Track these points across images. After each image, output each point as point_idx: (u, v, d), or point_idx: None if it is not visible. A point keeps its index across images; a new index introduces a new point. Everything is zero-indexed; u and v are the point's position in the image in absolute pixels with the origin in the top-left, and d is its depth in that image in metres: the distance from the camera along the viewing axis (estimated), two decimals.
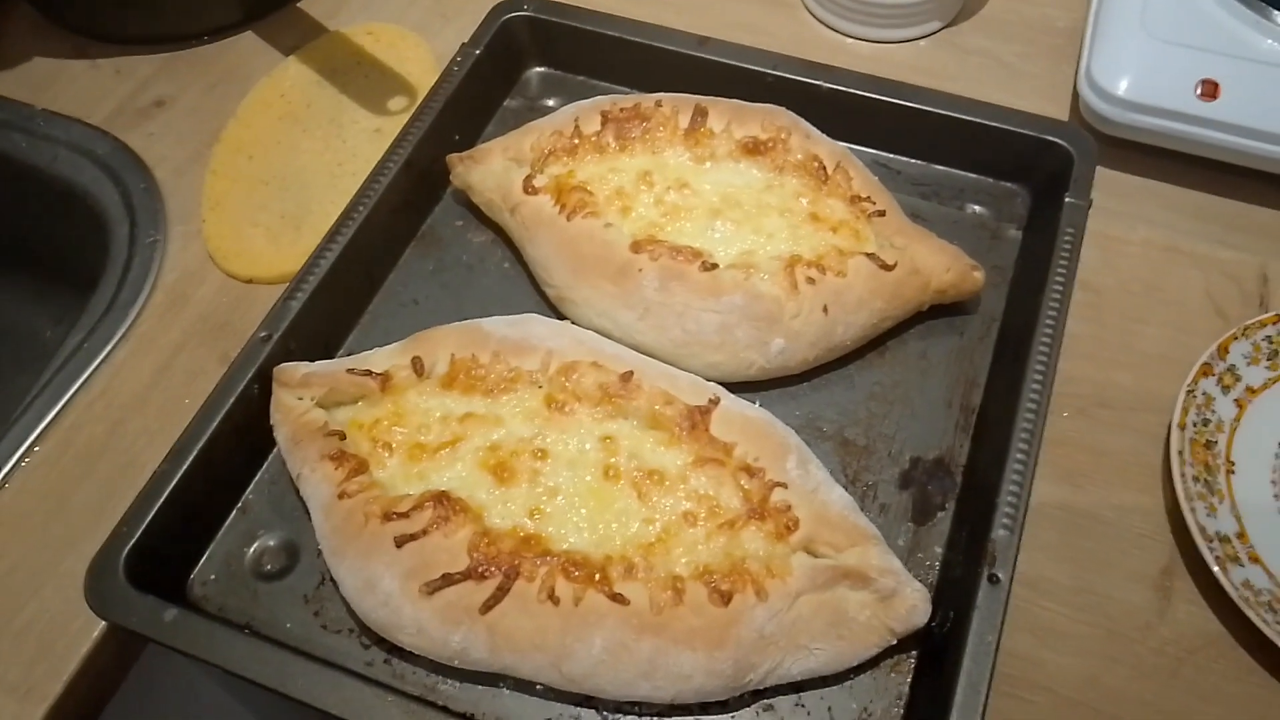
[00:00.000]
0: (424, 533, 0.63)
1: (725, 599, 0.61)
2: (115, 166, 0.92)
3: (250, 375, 0.72)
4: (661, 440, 0.68)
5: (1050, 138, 0.82)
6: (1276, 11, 0.84)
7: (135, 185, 0.91)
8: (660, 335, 0.74)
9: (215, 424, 0.70)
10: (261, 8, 1.03)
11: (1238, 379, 0.74)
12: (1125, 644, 0.67)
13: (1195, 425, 0.71)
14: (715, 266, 0.74)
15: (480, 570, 0.62)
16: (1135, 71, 0.84)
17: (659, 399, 0.69)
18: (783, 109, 0.83)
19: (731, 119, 0.82)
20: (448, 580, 0.62)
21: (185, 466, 0.68)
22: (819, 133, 0.82)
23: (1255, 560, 0.67)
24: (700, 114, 0.82)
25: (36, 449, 0.77)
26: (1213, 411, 0.73)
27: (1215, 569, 0.65)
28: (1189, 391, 0.72)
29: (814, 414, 0.76)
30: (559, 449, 0.68)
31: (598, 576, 0.62)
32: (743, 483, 0.66)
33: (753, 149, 0.81)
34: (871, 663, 0.65)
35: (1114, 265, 0.83)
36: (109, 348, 0.81)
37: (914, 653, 0.66)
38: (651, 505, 0.65)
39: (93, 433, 0.78)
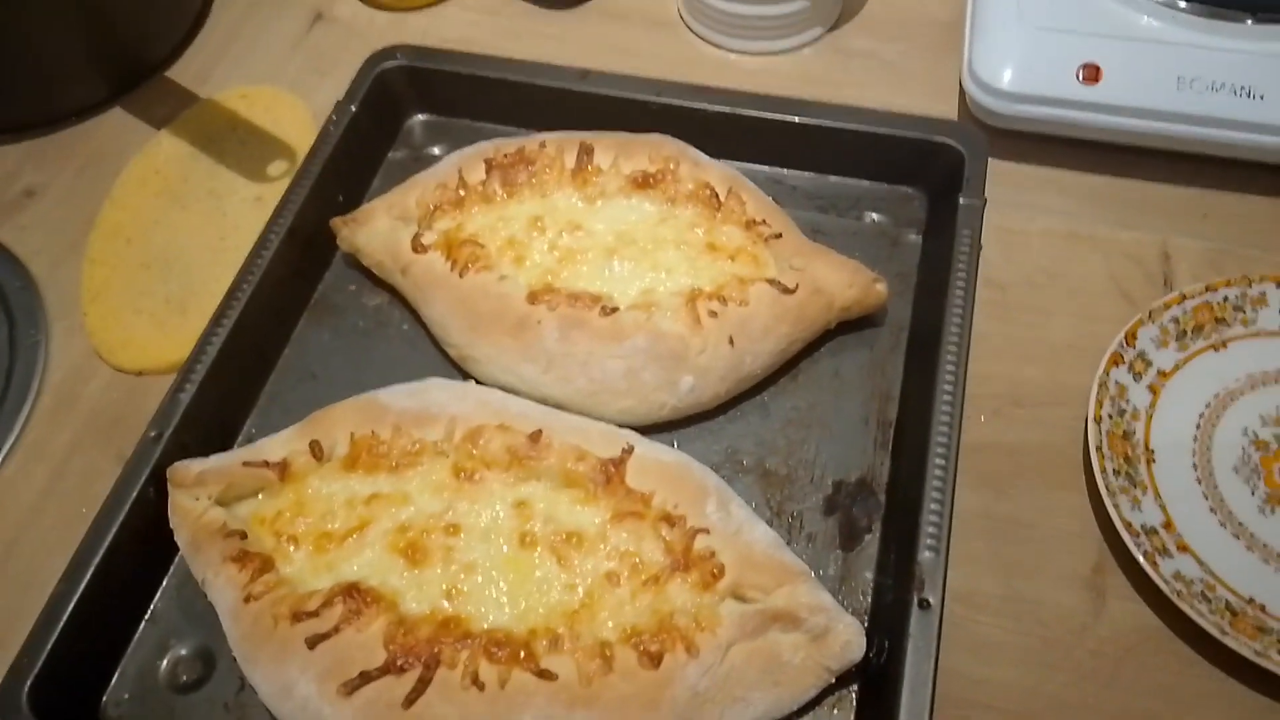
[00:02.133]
0: (336, 630, 0.61)
1: (655, 660, 0.60)
2: None
3: (144, 478, 0.69)
4: (577, 498, 0.66)
5: (940, 139, 0.81)
6: None
7: (10, 283, 0.87)
8: (566, 386, 0.72)
9: (111, 534, 0.67)
10: (127, 81, 0.99)
11: (1149, 364, 0.74)
12: (1063, 649, 0.66)
13: (1111, 417, 0.71)
14: (615, 310, 0.72)
15: (399, 663, 0.60)
16: (1016, 62, 0.83)
17: (570, 455, 0.67)
18: (668, 138, 0.82)
19: (618, 153, 0.80)
20: (365, 678, 0.59)
21: (84, 584, 0.65)
22: (707, 158, 0.81)
23: (1184, 549, 0.67)
24: (586, 152, 0.80)
25: None
26: (1127, 401, 0.72)
27: (1144, 564, 0.65)
28: (1101, 383, 0.72)
29: (733, 448, 0.74)
30: (471, 521, 0.66)
31: (522, 654, 0.60)
32: (664, 534, 0.64)
33: (642, 183, 0.79)
34: (813, 703, 0.63)
35: (1016, 259, 0.83)
36: None
37: (854, 686, 0.64)
38: (572, 570, 0.63)
39: None
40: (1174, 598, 0.64)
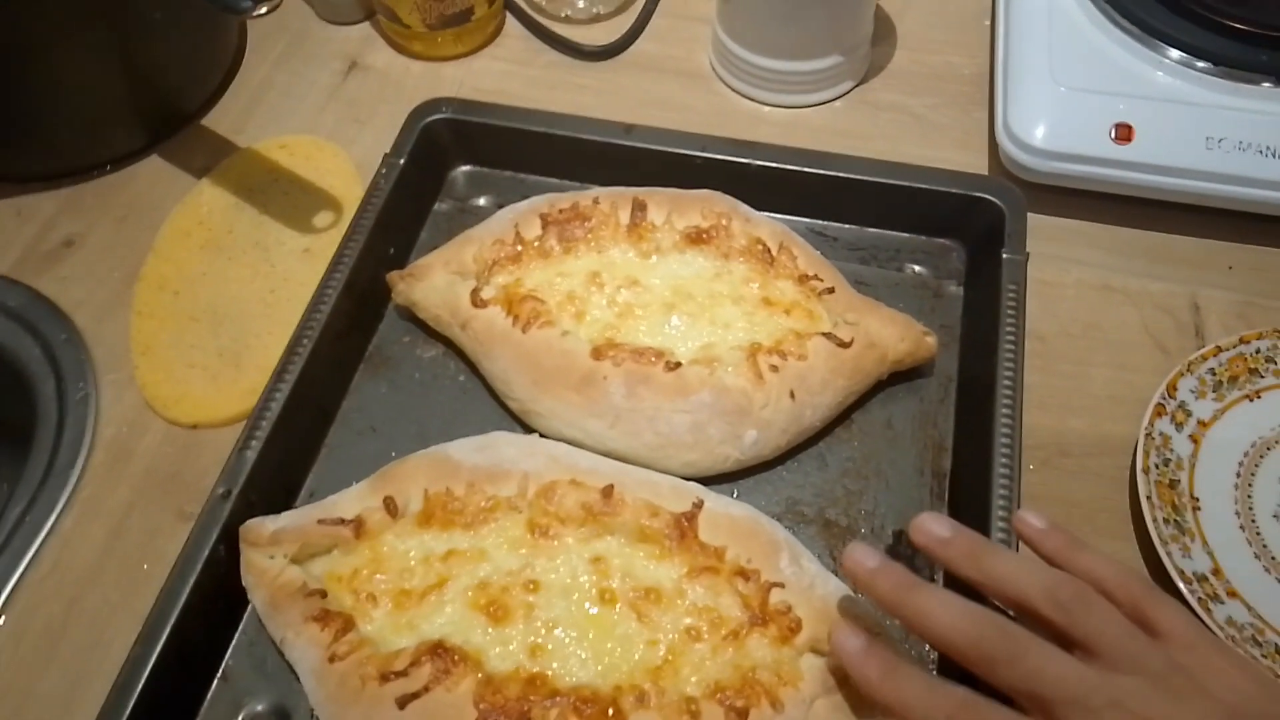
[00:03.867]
0: (426, 690, 0.61)
1: (742, 716, 0.61)
2: (30, 318, 0.87)
3: (215, 537, 0.69)
4: (652, 554, 0.68)
5: (979, 194, 0.84)
6: (1171, 49, 0.88)
7: (55, 336, 0.86)
8: (633, 440, 0.74)
9: (185, 596, 0.67)
10: (164, 130, 0.99)
11: (1189, 415, 0.77)
12: None
13: (1158, 467, 0.74)
14: (679, 365, 0.74)
15: None
16: (1050, 121, 0.87)
17: (644, 511, 0.68)
18: (719, 194, 0.84)
19: (671, 209, 0.82)
20: None
21: (159, 647, 0.65)
22: (757, 213, 0.83)
23: (1233, 595, 0.70)
24: (640, 208, 0.82)
25: None
26: (1171, 451, 0.75)
27: (1200, 611, 0.67)
28: (1147, 434, 0.74)
29: (793, 498, 0.76)
30: (550, 578, 0.67)
31: (611, 711, 0.61)
32: (740, 588, 0.66)
33: (696, 238, 0.81)
34: None
35: (1053, 310, 0.85)
36: (53, 517, 0.77)
37: None
38: (653, 625, 0.65)
39: (49, 613, 0.73)
40: (1229, 643, 0.66)
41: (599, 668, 0.63)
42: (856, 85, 1.02)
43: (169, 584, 0.68)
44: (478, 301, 0.79)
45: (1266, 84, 0.86)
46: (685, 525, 0.68)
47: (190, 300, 0.87)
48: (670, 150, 0.88)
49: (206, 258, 0.90)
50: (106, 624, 0.73)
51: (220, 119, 1.02)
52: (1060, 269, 0.88)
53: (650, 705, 0.61)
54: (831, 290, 0.79)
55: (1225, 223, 0.88)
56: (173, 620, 0.66)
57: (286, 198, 0.94)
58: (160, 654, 0.65)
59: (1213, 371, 0.78)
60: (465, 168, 0.95)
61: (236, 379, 0.82)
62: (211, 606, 0.69)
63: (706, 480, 0.74)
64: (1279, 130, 0.83)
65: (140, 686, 0.64)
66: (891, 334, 0.78)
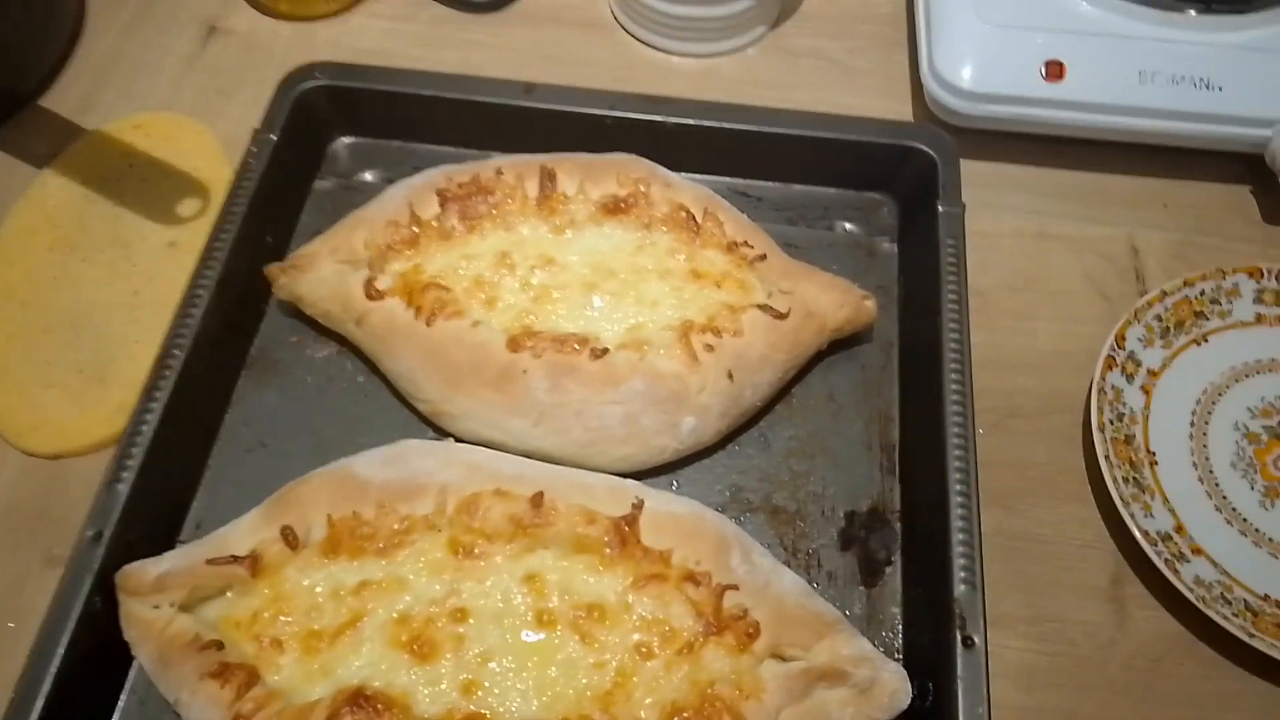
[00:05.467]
0: None
1: None
2: None
3: (89, 587, 0.60)
4: (591, 566, 0.61)
5: (908, 142, 0.79)
6: None
7: None
8: (561, 438, 0.67)
9: (59, 658, 0.58)
10: None
11: (1139, 365, 0.74)
12: (1094, 667, 0.65)
13: (1112, 423, 0.70)
14: (605, 351, 0.67)
15: None
16: (977, 61, 0.81)
17: (579, 518, 0.61)
18: (635, 157, 0.76)
19: (584, 177, 0.75)
20: None
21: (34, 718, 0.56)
22: (678, 177, 0.76)
23: (1198, 552, 0.67)
24: (549, 177, 0.74)
25: None
26: (1124, 404, 0.72)
27: (1168, 573, 0.64)
28: (1100, 389, 0.71)
29: (737, 485, 0.70)
30: (479, 603, 0.60)
31: None
32: (690, 594, 0.60)
33: (613, 208, 0.74)
34: None
35: (990, 263, 0.81)
36: None
37: None
38: (598, 646, 0.58)
39: None
40: (1199, 604, 0.63)
41: (543, 700, 0.57)
42: (769, 30, 0.95)
43: (39, 644, 0.59)
44: (373, 293, 0.71)
45: (1191, 12, 0.82)
46: (625, 530, 0.61)
47: (41, 309, 0.76)
48: (576, 110, 0.80)
49: (57, 259, 0.79)
50: None
51: (61, 98, 0.90)
52: (994, 217, 0.83)
53: None
54: (763, 257, 0.73)
55: (1159, 159, 0.85)
56: (47, 687, 0.57)
57: (145, 185, 0.83)
58: None
59: (1159, 318, 0.75)
60: (347, 139, 0.85)
61: (101, 398, 0.72)
62: (91, 668, 0.60)
63: (643, 475, 0.68)
64: (1211, 62, 0.80)
65: None
66: (829, 301, 0.72)
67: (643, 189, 0.74)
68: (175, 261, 0.78)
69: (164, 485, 0.67)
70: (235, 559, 0.60)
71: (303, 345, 0.76)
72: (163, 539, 0.66)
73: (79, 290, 0.78)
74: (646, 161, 0.76)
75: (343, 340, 0.75)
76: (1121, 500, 0.67)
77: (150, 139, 0.86)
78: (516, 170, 0.75)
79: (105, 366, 0.74)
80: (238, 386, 0.74)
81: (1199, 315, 0.76)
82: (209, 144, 0.86)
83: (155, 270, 0.79)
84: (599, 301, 0.70)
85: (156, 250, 0.80)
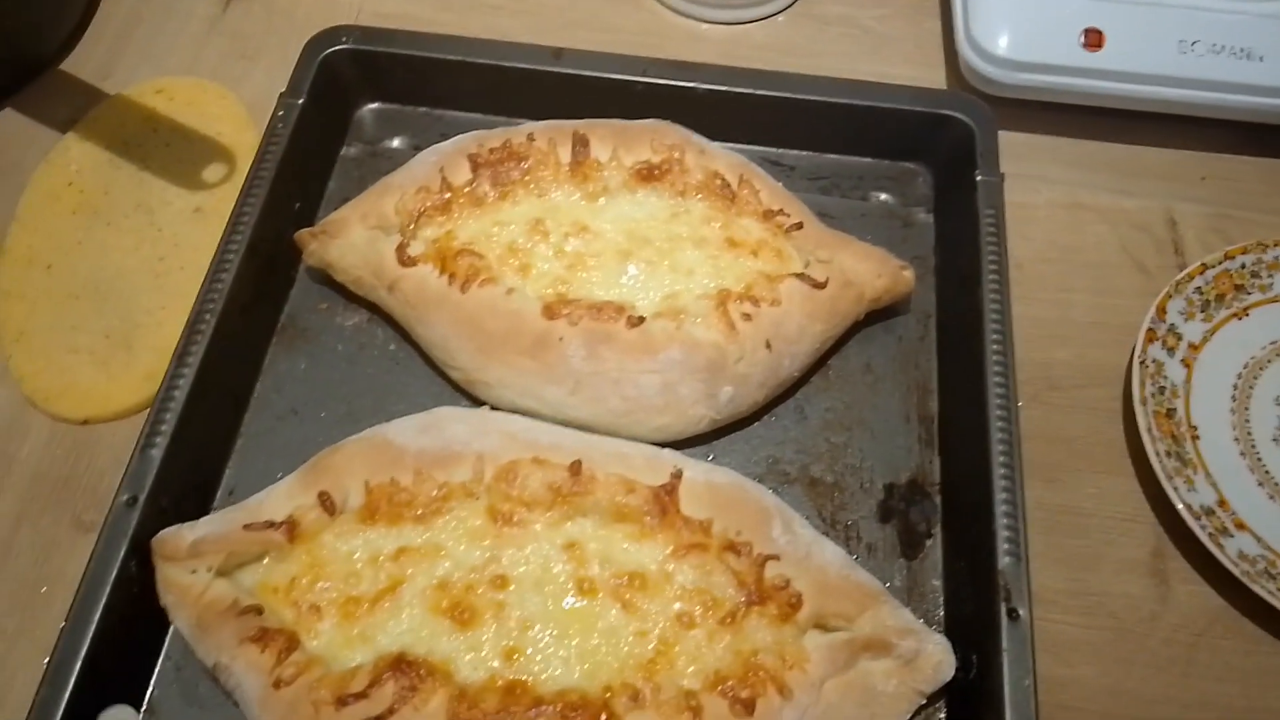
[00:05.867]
0: (391, 711, 0.54)
1: (749, 707, 0.55)
2: None
3: (124, 551, 0.60)
4: (631, 534, 0.60)
5: (946, 111, 0.78)
6: None
7: None
8: (598, 407, 0.66)
9: (95, 623, 0.58)
10: (17, 79, 0.86)
11: (1180, 338, 0.73)
12: (1136, 641, 0.65)
13: (1153, 396, 0.70)
14: (642, 320, 0.66)
15: None
16: (1015, 28, 0.80)
17: (618, 488, 0.61)
18: (668, 124, 0.75)
19: (617, 144, 0.73)
20: None
21: (71, 684, 0.56)
22: (712, 144, 0.75)
23: (1241, 528, 0.66)
24: (581, 143, 0.73)
25: None
26: (1165, 378, 0.71)
27: (1212, 548, 0.63)
28: (1141, 363, 0.70)
29: (774, 456, 0.69)
30: (519, 570, 0.59)
31: (603, 716, 0.54)
32: (731, 564, 0.59)
33: (648, 175, 0.73)
34: None
35: (1026, 234, 0.80)
36: None
37: (940, 703, 0.61)
38: (640, 615, 0.58)
39: None
40: (1244, 579, 0.63)
41: (585, 668, 0.56)
42: None
43: (75, 609, 0.58)
44: (405, 259, 0.70)
45: None
46: (665, 499, 0.61)
47: (67, 275, 0.76)
48: (607, 76, 0.79)
49: (81, 224, 0.78)
50: (7, 658, 0.63)
51: (83, 62, 0.88)
52: (1030, 189, 0.82)
53: (646, 705, 0.55)
54: (800, 226, 0.72)
55: (1197, 131, 0.84)
56: (83, 651, 0.57)
57: (169, 150, 0.82)
58: (73, 692, 0.56)
59: (1199, 290, 0.74)
60: (373, 105, 0.84)
61: (129, 364, 0.72)
62: (128, 632, 0.60)
63: (678, 445, 0.67)
64: (1254, 31, 0.78)
65: None
66: (867, 270, 0.71)
67: (677, 156, 0.73)
68: (201, 227, 0.77)
69: (197, 451, 0.66)
70: (272, 524, 0.60)
71: (333, 312, 0.75)
72: (196, 505, 0.65)
73: (104, 255, 0.76)
74: (681, 128, 0.75)
75: (373, 308, 0.74)
76: (1165, 474, 0.66)
77: (173, 103, 0.84)
78: (549, 136, 0.74)
79: (132, 332, 0.73)
80: (268, 354, 0.73)
81: (1239, 289, 0.75)
82: (233, 109, 0.85)
83: (181, 236, 0.77)
84: (634, 269, 0.69)
85: (182, 216, 0.79)
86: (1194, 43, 0.78)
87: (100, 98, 0.85)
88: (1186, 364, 0.72)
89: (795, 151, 0.82)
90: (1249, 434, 0.70)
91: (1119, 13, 0.79)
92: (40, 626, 0.63)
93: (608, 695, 0.55)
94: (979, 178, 0.74)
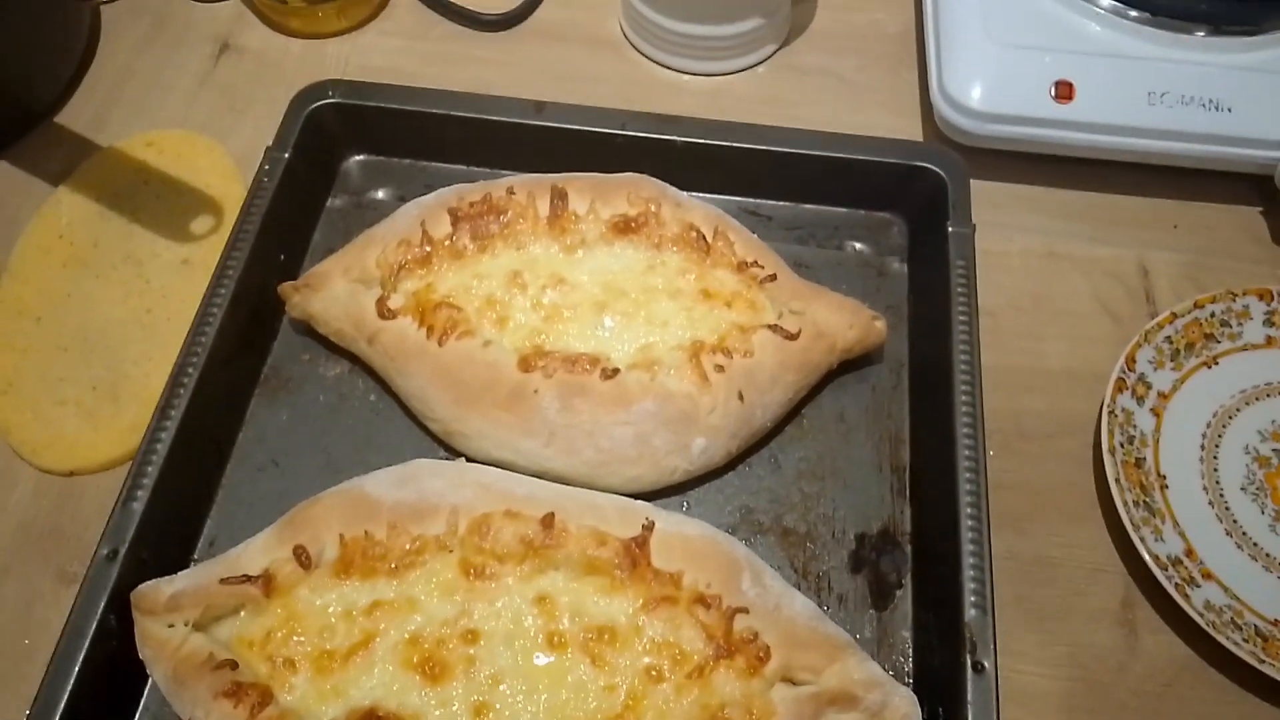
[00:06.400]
0: None
1: None
2: None
3: (103, 605, 0.61)
4: (601, 587, 0.61)
5: (919, 162, 0.79)
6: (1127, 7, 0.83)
7: None
8: (572, 459, 0.67)
9: (75, 674, 0.59)
10: (11, 132, 0.88)
11: (1149, 387, 0.74)
12: (1105, 692, 0.65)
13: (1122, 445, 0.70)
14: (616, 372, 0.67)
15: None
16: (987, 80, 0.82)
17: (589, 540, 0.62)
18: (645, 177, 0.77)
19: (594, 197, 0.75)
20: None
21: None
22: (688, 197, 0.76)
23: (1208, 577, 0.67)
24: (560, 197, 0.75)
25: None
26: (1134, 427, 0.72)
27: (1178, 598, 0.64)
28: (1110, 412, 0.71)
29: (747, 506, 0.70)
30: (490, 625, 0.60)
31: None
32: (700, 617, 0.60)
33: (624, 228, 0.74)
34: None
35: (999, 283, 0.81)
36: None
37: None
38: (609, 669, 0.59)
39: None
40: (1210, 630, 0.63)
41: None
42: (779, 48, 0.95)
43: (55, 661, 0.59)
44: (385, 312, 0.71)
45: (1200, 33, 0.82)
46: (636, 551, 0.62)
47: (55, 327, 0.77)
48: (587, 129, 0.81)
49: (70, 276, 0.80)
50: None
51: (75, 116, 0.90)
52: (1003, 237, 0.84)
53: None
54: (774, 277, 0.73)
55: (1169, 180, 0.85)
56: (63, 704, 0.58)
57: (158, 202, 0.83)
58: None
59: (1169, 340, 0.75)
60: (359, 157, 0.86)
61: (115, 415, 0.73)
62: (107, 684, 0.61)
63: (653, 496, 0.68)
64: (1219, 82, 0.80)
65: None
66: (839, 321, 0.72)
67: (653, 208, 0.74)
68: (188, 279, 0.79)
69: (178, 503, 0.67)
70: (248, 578, 0.61)
71: (315, 363, 0.76)
72: (176, 557, 0.66)
73: (93, 307, 0.78)
74: (657, 181, 0.76)
75: (355, 359, 0.75)
76: (1132, 524, 0.67)
77: (163, 156, 0.86)
78: (528, 189, 0.75)
79: (119, 384, 0.74)
80: (251, 404, 0.74)
81: (1209, 337, 0.76)
82: (222, 161, 0.86)
83: (168, 288, 0.79)
84: (610, 321, 0.71)
85: (170, 268, 0.80)
86: (1163, 94, 0.80)
87: (92, 150, 0.87)
88: (1156, 413, 0.73)
89: (772, 202, 0.84)
90: (1217, 483, 0.71)
91: (1089, 65, 0.80)
92: (23, 680, 0.64)
93: None
94: (950, 229, 0.76)
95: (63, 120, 0.90)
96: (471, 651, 0.59)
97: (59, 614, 0.62)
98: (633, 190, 0.75)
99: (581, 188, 0.75)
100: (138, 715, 0.63)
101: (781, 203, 0.84)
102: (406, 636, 0.59)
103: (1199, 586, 0.66)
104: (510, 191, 0.75)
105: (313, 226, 0.83)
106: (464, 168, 0.85)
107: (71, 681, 0.58)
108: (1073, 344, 0.78)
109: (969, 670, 0.59)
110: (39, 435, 0.72)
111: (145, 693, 0.63)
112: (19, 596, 0.67)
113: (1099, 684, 0.65)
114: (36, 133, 0.89)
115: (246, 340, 0.74)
